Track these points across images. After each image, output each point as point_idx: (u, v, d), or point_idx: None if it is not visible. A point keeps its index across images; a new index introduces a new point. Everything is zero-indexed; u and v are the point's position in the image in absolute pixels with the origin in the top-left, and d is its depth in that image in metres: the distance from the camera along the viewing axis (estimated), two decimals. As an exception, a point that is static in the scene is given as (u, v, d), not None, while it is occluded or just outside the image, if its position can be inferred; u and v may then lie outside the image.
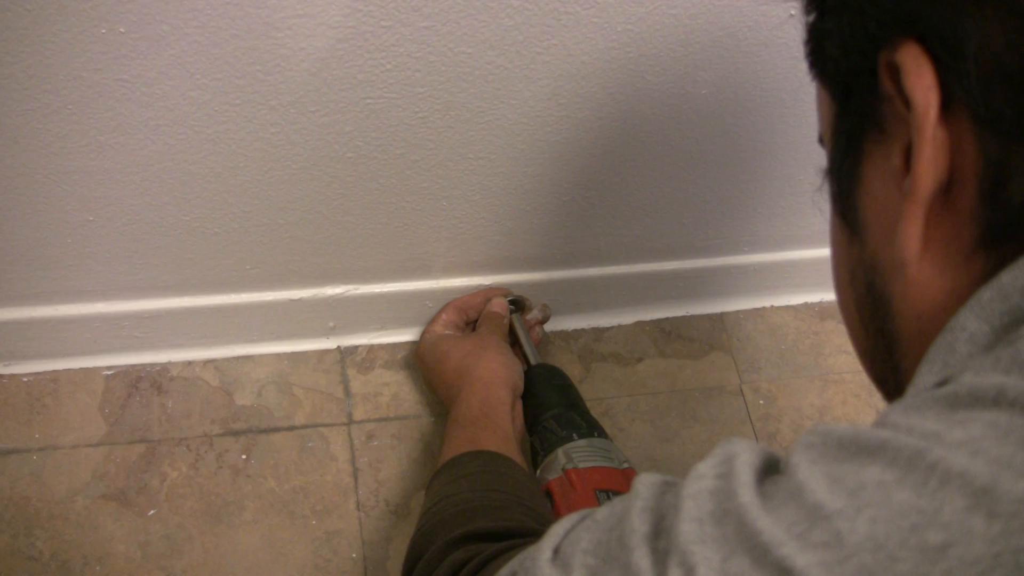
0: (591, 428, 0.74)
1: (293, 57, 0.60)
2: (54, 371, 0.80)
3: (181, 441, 0.79)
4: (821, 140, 0.40)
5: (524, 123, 0.70)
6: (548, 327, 0.91)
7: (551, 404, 0.77)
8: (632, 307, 0.93)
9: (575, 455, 0.70)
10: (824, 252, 0.93)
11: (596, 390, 0.88)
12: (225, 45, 0.59)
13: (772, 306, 0.98)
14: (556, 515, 0.66)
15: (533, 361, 0.82)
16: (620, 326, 0.93)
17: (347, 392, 0.84)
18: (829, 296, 0.99)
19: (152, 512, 0.75)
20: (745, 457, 0.32)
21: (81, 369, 0.81)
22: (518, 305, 0.86)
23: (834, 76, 0.36)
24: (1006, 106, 0.30)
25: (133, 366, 0.82)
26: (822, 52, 0.36)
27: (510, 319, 0.84)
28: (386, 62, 0.62)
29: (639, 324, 0.93)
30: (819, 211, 0.41)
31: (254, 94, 0.62)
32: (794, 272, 0.96)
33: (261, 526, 0.76)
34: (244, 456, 0.79)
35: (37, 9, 0.54)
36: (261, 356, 0.85)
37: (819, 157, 0.40)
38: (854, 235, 0.37)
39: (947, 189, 0.32)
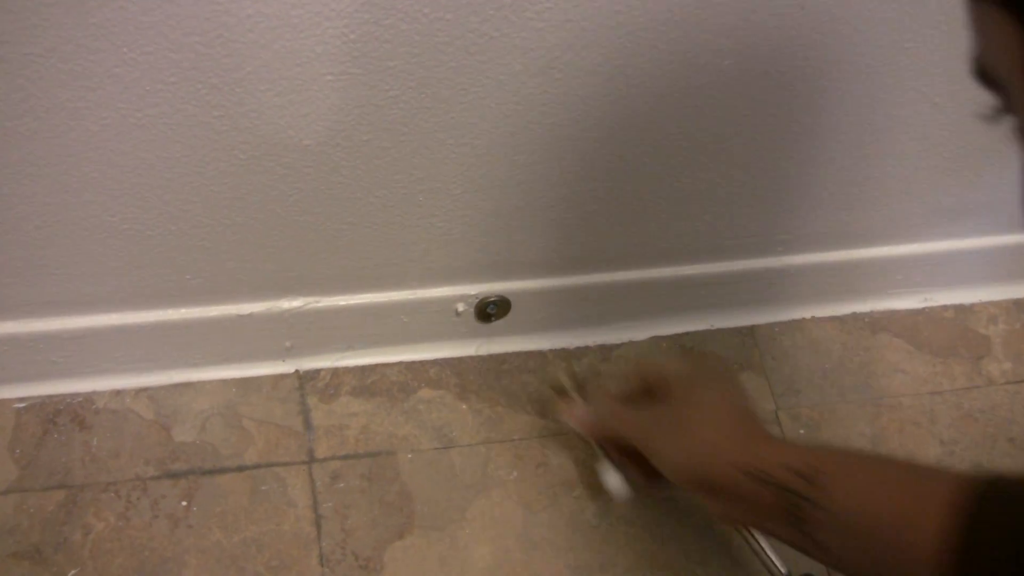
0: None
1: (238, 26, 0.60)
2: (-44, 404, 0.80)
3: (109, 486, 0.79)
4: (982, 74, 0.37)
5: (514, 102, 0.70)
6: (546, 344, 0.91)
7: None
8: (646, 320, 0.93)
9: None
10: (877, 252, 0.95)
11: (605, 419, 0.88)
12: (156, 12, 0.59)
13: (813, 317, 0.98)
14: None
15: None
16: (632, 343, 0.93)
17: (307, 425, 0.84)
18: (881, 305, 0.99)
19: (73, 572, 0.75)
20: None
21: (-12, 401, 0.81)
22: (502, 307, 0.86)
23: None
24: None
25: (50, 397, 0.82)
26: None
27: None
28: (349, 31, 0.62)
29: (654, 340, 0.94)
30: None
31: (192, 70, 0.62)
32: (839, 277, 0.96)
33: (205, 587, 0.76)
34: (184, 503, 0.79)
35: (-69, -29, 0.54)
36: (204, 383, 0.85)
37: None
38: None
39: None
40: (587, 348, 0.92)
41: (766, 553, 0.76)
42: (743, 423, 0.71)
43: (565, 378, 0.86)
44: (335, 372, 0.87)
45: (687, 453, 0.70)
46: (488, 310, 0.87)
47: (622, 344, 0.93)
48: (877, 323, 0.99)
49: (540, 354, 0.91)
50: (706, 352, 0.79)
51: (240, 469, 0.81)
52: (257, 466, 0.82)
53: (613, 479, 0.81)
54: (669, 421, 0.72)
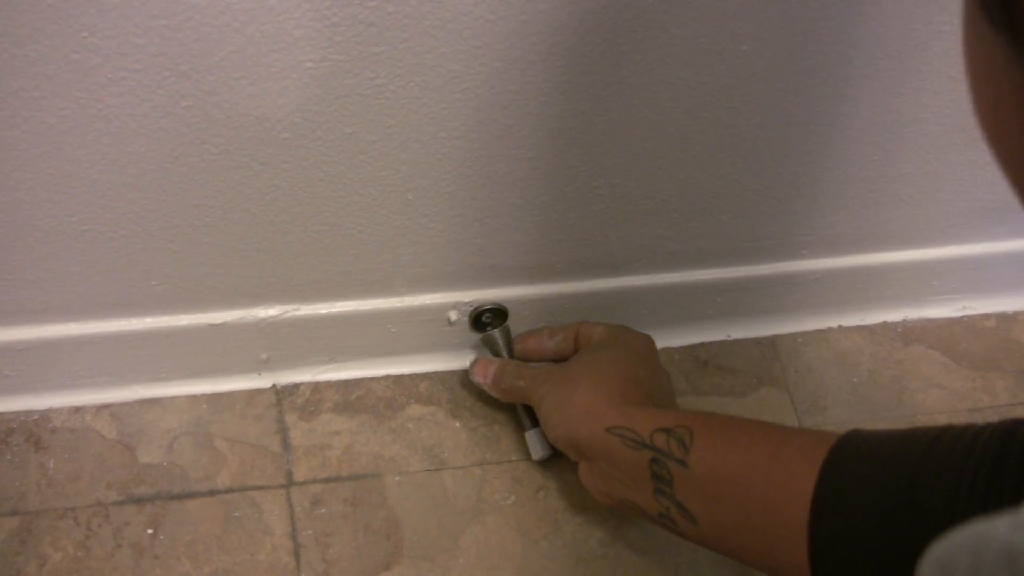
0: None
1: (209, 8, 0.60)
2: (-100, 422, 0.80)
3: (67, 512, 0.79)
4: None
5: (512, 91, 0.70)
6: (548, 357, 0.91)
7: None
8: (656, 330, 0.92)
9: None
10: (909, 255, 0.94)
11: (611, 439, 0.88)
12: (119, -7, 0.59)
13: (840, 327, 0.98)
14: None
15: None
16: (642, 355, 0.93)
17: (285, 445, 0.84)
18: (915, 313, 0.99)
19: (29, 606, 0.75)
20: None
21: (-65, 419, 0.81)
22: (499, 316, 0.87)
23: None
24: None
25: (2, 415, 0.82)
26: None
27: (491, 334, 0.88)
28: (331, 13, 0.62)
29: (666, 352, 0.93)
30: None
31: (159, 56, 0.62)
32: (868, 282, 0.96)
33: (173, 623, 0.76)
34: (150, 530, 0.79)
35: None
36: (172, 399, 0.85)
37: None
38: None
39: None
40: (592, 361, 0.92)
41: None
42: (625, 388, 0.76)
43: (502, 342, 0.87)
44: (316, 387, 0.87)
45: (562, 411, 0.77)
46: (483, 319, 0.87)
47: (631, 356, 0.93)
48: (910, 333, 0.99)
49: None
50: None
51: (212, 493, 0.81)
52: (230, 490, 0.82)
53: (530, 437, 0.85)
54: (557, 379, 0.80)
